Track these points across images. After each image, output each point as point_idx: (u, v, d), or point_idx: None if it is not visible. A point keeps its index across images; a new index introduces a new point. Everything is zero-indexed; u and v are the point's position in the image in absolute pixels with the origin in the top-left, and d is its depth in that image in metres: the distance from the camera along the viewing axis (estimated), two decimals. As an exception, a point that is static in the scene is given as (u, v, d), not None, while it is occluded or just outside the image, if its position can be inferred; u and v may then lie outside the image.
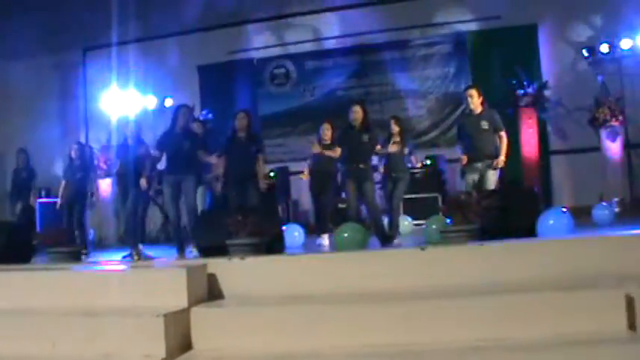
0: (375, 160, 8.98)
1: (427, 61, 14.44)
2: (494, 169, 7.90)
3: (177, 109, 8.56)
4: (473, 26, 13.82)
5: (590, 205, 9.99)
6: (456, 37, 14.25)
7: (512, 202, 6.18)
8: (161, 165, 8.74)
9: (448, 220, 6.18)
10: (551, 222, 6.29)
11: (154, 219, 13.07)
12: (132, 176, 8.75)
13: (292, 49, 14.99)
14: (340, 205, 10.05)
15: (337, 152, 8.44)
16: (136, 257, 8.41)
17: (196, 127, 9.56)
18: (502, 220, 5.77)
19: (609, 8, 12.27)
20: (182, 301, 4.66)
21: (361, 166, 8.12)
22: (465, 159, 8.06)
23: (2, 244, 7.02)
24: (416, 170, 11.58)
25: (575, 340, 4.04)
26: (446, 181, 12.79)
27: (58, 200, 10.15)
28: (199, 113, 13.95)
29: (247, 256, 5.50)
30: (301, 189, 13.58)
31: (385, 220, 8.61)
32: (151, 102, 14.69)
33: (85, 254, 9.27)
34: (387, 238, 8.03)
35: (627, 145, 12.47)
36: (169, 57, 14.73)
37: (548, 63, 13.50)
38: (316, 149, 9.09)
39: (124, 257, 8.46)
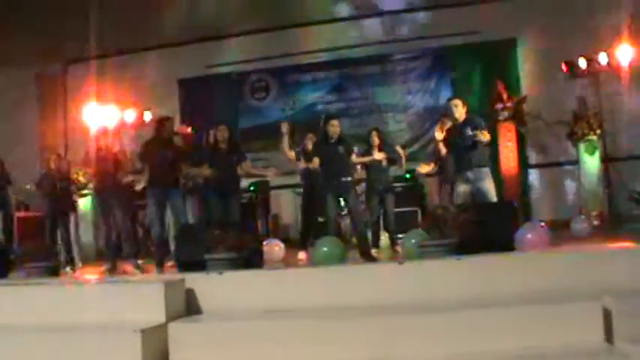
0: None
1: (407, 75, 14.47)
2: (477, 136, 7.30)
3: (160, 120, 8.56)
4: (453, 41, 13.89)
5: (569, 218, 10.07)
6: (436, 52, 14.31)
7: (490, 216, 6.17)
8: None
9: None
10: (529, 236, 6.34)
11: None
12: (112, 189, 8.74)
13: (272, 63, 14.96)
14: (320, 219, 10.03)
15: (315, 163, 8.42)
16: (139, 270, 8.36)
17: (178, 140, 9.54)
18: (480, 235, 5.75)
19: (587, 23, 12.36)
20: (160, 317, 4.66)
21: (342, 179, 8.11)
22: (431, 166, 8.02)
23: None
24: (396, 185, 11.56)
25: (552, 353, 4.07)
26: (426, 195, 12.79)
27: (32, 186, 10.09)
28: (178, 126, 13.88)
29: (225, 271, 5.50)
30: (281, 204, 13.60)
31: (369, 234, 8.64)
32: (130, 115, 14.61)
33: (72, 269, 9.22)
34: (369, 253, 7.97)
35: (605, 159, 12.55)
36: (149, 70, 14.65)
37: (527, 77, 13.61)
38: (302, 165, 9.14)
39: (105, 270, 8.41)
